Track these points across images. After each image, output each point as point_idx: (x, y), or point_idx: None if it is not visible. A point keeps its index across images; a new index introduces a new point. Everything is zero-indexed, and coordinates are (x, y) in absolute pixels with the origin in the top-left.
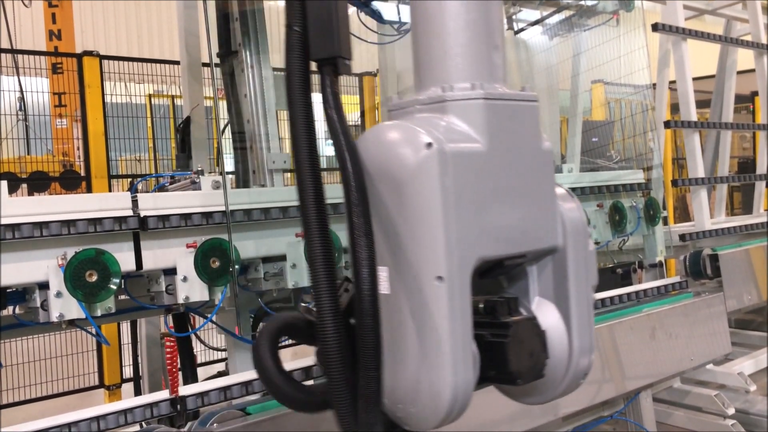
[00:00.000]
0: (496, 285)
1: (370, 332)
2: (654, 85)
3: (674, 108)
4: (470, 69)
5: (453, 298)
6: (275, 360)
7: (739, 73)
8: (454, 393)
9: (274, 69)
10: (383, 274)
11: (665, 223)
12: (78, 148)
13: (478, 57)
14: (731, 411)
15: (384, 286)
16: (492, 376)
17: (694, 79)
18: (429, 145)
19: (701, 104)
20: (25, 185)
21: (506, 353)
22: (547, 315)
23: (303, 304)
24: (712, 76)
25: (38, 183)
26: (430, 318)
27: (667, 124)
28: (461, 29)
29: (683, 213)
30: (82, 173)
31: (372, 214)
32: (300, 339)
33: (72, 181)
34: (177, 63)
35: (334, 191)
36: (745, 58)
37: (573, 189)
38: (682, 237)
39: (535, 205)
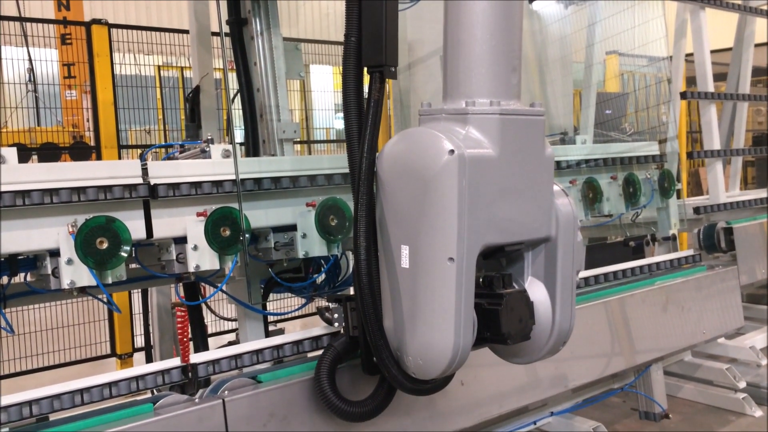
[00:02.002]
0: (497, 264)
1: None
2: (670, 57)
3: (690, 81)
4: (490, 87)
5: (460, 276)
6: (334, 389)
7: (756, 45)
8: (455, 352)
9: (285, 39)
10: (405, 251)
11: (679, 196)
12: (87, 120)
13: (497, 77)
14: (742, 384)
15: (405, 262)
16: (487, 337)
17: (711, 52)
18: (452, 152)
19: (717, 77)
20: (35, 156)
21: (499, 318)
22: (536, 291)
23: (321, 308)
24: (729, 49)
25: (48, 154)
26: (441, 291)
27: (683, 95)
28: (486, 53)
29: (696, 187)
30: (92, 144)
31: (395, 203)
32: (350, 355)
33: (82, 151)
34: (186, 32)
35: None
36: (763, 31)
37: (586, 161)
38: (696, 210)
39: (534, 202)
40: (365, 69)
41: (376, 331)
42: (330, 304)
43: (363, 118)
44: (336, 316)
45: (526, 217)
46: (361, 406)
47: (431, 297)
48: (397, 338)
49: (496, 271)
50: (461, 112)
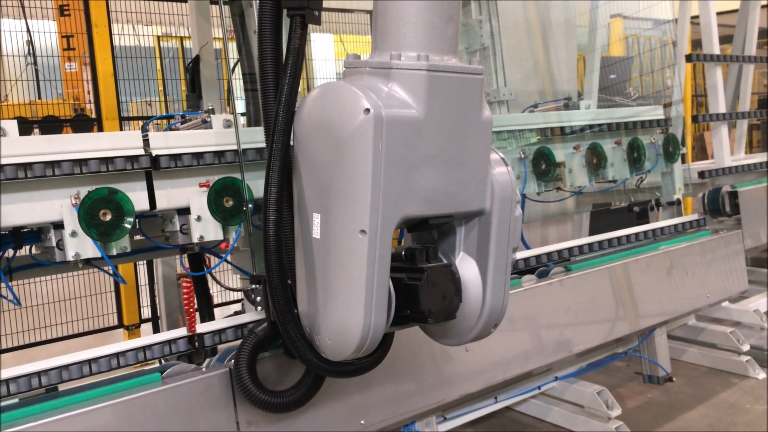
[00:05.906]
0: (429, 237)
1: (275, 270)
2: (676, 20)
3: (695, 44)
4: (421, 39)
5: (373, 251)
6: (254, 378)
7: (763, 7)
8: (365, 333)
9: None
10: (316, 220)
11: (684, 160)
12: (88, 92)
13: (429, 28)
14: (746, 347)
15: (316, 231)
16: (407, 315)
17: (717, 13)
18: (367, 111)
19: (723, 40)
20: (37, 129)
21: (419, 294)
22: (467, 268)
23: (248, 290)
24: (735, 11)
25: (50, 126)
26: (351, 266)
27: (689, 58)
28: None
29: (700, 152)
30: (93, 117)
31: (311, 165)
32: (273, 341)
33: (83, 124)
34: (185, 1)
35: None
36: None
37: (590, 126)
38: (701, 174)
39: (466, 171)
40: (285, 11)
41: (284, 310)
42: (255, 285)
43: (281, 69)
44: (259, 299)
45: (455, 188)
46: (282, 396)
47: (341, 272)
48: (310, 316)
49: (425, 244)
50: (385, 66)
